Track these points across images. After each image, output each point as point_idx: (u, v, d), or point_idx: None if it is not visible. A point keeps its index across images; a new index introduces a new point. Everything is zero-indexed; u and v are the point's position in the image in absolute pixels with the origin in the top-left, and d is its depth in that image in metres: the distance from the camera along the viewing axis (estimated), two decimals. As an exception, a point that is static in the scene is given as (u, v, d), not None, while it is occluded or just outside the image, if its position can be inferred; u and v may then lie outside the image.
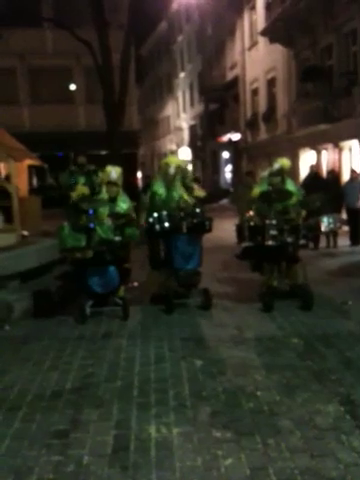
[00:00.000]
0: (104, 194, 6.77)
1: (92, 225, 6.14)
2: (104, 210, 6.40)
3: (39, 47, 23.73)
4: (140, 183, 25.08)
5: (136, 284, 7.29)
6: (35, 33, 23.61)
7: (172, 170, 6.75)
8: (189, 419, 3.66)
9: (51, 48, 24.06)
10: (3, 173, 11.94)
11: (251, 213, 6.84)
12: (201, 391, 4.08)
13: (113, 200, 6.73)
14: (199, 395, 4.02)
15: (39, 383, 4.35)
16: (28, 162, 15.00)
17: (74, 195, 6.29)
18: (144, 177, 23.21)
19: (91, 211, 6.18)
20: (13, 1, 21.39)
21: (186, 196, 6.62)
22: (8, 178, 9.78)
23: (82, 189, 6.59)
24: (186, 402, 3.91)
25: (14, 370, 4.65)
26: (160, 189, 6.80)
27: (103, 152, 18.43)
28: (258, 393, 4.02)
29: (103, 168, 7.09)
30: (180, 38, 40.99)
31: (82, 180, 7.86)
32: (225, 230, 10.13)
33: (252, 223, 6.53)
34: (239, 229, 6.70)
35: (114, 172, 6.79)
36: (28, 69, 24.45)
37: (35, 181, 17.93)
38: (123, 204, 6.77)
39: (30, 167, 15.84)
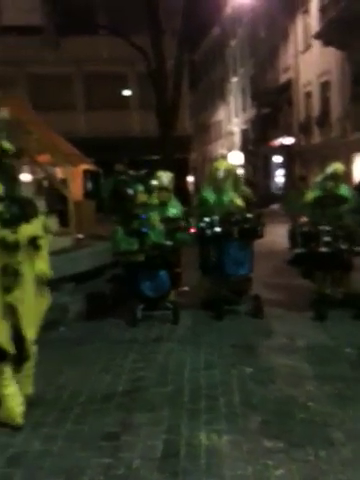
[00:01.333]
0: (155, 199, 6.83)
1: (145, 229, 6.21)
2: (156, 215, 6.47)
3: (94, 54, 24.20)
4: (191, 188, 25.16)
5: (186, 289, 7.31)
6: (91, 40, 24.10)
7: (221, 174, 6.74)
8: (239, 427, 3.64)
9: (106, 55, 24.50)
10: (60, 177, 12.25)
11: (304, 219, 6.74)
12: (251, 399, 4.05)
13: (164, 205, 6.79)
14: (249, 403, 3.99)
15: (91, 385, 4.43)
16: (83, 167, 15.38)
17: (138, 201, 6.43)
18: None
19: (144, 216, 6.26)
20: (70, 10, 21.95)
21: (237, 201, 6.60)
22: (64, 182, 10.03)
23: (142, 197, 6.70)
24: (236, 410, 3.89)
25: (67, 371, 4.76)
26: (209, 194, 6.81)
27: (155, 157, 18.61)
28: (309, 403, 3.95)
29: (154, 173, 7.17)
30: (233, 42, 40.94)
31: (140, 187, 7.98)
32: (277, 235, 10.01)
33: (305, 229, 6.43)
34: (291, 235, 6.61)
35: (165, 177, 6.85)
36: (83, 76, 25.01)
37: (90, 186, 18.28)
38: (174, 209, 6.82)
39: (85, 172, 16.22)
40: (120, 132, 23.00)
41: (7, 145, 3.71)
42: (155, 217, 6.36)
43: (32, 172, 11.57)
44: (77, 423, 3.78)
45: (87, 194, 16.05)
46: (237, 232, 6.23)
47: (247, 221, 6.31)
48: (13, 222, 3.51)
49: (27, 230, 3.57)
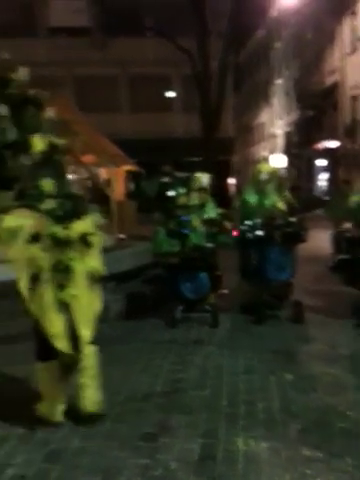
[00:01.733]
0: (195, 200, 6.82)
1: (186, 231, 6.22)
2: (197, 217, 6.47)
3: (140, 56, 24.40)
4: (233, 190, 25.05)
5: (226, 292, 7.28)
6: (136, 42, 24.33)
7: (264, 177, 6.67)
8: (278, 434, 3.60)
9: (151, 56, 24.68)
10: (103, 177, 12.41)
11: (348, 224, 6.62)
12: (291, 407, 4.00)
13: (203, 206, 6.79)
14: (289, 411, 3.94)
15: (130, 384, 4.47)
16: (126, 168, 15.53)
17: (179, 203, 6.44)
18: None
19: (185, 217, 6.27)
20: (116, 11, 22.21)
21: (280, 204, 6.53)
22: (108, 183, 10.16)
23: (184, 199, 6.71)
24: (275, 417, 3.85)
25: (107, 370, 4.76)
26: (251, 197, 6.75)
27: (198, 159, 18.63)
28: (350, 413, 3.87)
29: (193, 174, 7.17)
30: (278, 44, 40.57)
31: (181, 189, 8.01)
32: (320, 240, 9.86)
33: (349, 234, 6.31)
34: (335, 240, 6.51)
35: (204, 178, 6.85)
36: (128, 77, 25.26)
37: (132, 186, 18.46)
38: (211, 211, 6.81)
39: (128, 172, 16.37)
40: (163, 133, 23.12)
41: (58, 141, 3.77)
42: (196, 219, 6.37)
43: (76, 172, 11.78)
44: (116, 422, 3.82)
45: (129, 194, 16.21)
46: (279, 236, 6.17)
47: (290, 225, 6.23)
48: (65, 218, 3.54)
49: (78, 227, 3.59)
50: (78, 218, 3.60)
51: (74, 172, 11.93)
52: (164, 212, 6.91)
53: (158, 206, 10.29)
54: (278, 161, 36.53)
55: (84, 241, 3.59)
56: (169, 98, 25.77)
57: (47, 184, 3.59)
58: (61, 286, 3.55)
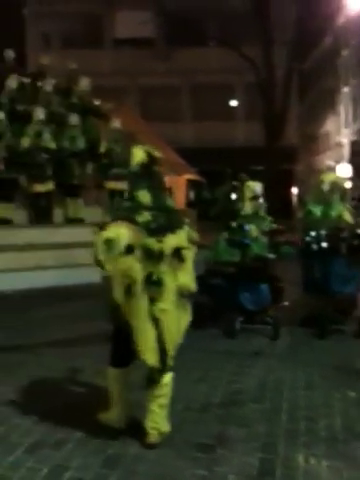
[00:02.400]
0: (248, 210, 6.71)
1: (247, 241, 6.15)
2: (259, 226, 6.39)
3: (203, 65, 24.57)
4: (295, 200, 24.67)
5: (287, 304, 7.13)
6: (200, 51, 24.53)
7: (326, 187, 6.50)
8: (340, 453, 3.46)
9: (214, 65, 24.79)
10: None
11: None
12: (354, 426, 3.85)
13: (257, 215, 6.68)
14: (352, 430, 3.79)
15: (188, 394, 4.43)
16: (187, 176, 15.64)
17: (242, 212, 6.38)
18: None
19: (247, 227, 6.20)
20: (180, 22, 22.47)
21: (347, 215, 6.35)
22: (170, 191, 10.23)
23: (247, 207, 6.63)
24: (338, 435, 3.71)
25: (165, 378, 4.80)
26: (314, 207, 6.59)
27: (259, 167, 18.49)
28: None
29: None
30: (345, 52, 39.72)
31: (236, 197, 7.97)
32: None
33: None
34: None
35: (258, 187, 6.75)
36: (191, 86, 25.47)
37: (192, 195, 18.55)
38: (263, 220, 6.69)
39: (188, 181, 16.47)
40: (225, 142, 23.12)
41: (157, 153, 3.73)
42: (255, 228, 6.28)
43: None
44: (173, 431, 3.78)
45: (190, 203, 16.29)
46: (345, 248, 5.98)
47: (357, 237, 6.04)
48: (159, 231, 3.48)
49: (172, 240, 3.49)
50: (172, 232, 3.52)
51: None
52: (223, 221, 6.86)
53: (219, 214, 10.28)
54: (343, 171, 35.65)
55: (177, 255, 3.51)
56: (231, 107, 25.77)
57: (144, 196, 3.53)
58: (152, 299, 3.51)
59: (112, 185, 9.31)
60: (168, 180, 11.83)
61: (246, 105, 24.86)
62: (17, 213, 8.43)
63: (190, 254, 3.59)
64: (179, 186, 11.82)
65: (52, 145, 8.69)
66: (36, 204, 8.58)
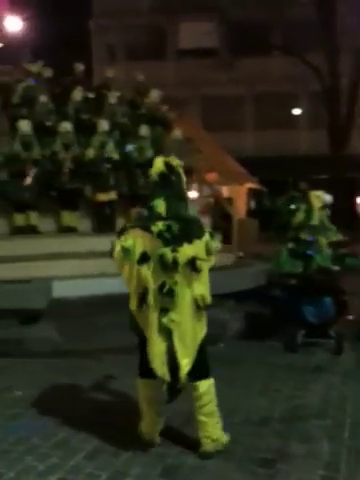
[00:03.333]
0: (316, 220, 6.57)
1: (311, 252, 6.03)
2: (324, 238, 6.25)
3: (266, 74, 24.42)
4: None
5: (352, 317, 6.93)
6: (263, 60, 24.40)
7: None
8: None
9: (278, 74, 24.59)
10: (225, 195, 12.51)
11: None
12: None
13: (323, 226, 6.52)
14: None
15: (247, 407, 4.39)
16: (248, 185, 15.57)
17: (295, 221, 6.27)
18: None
19: (311, 238, 6.09)
20: (244, 31, 22.46)
21: None
22: (229, 201, 10.21)
23: (300, 216, 6.52)
24: None
25: (223, 389, 4.72)
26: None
27: (323, 176, 18.13)
28: None
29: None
30: None
31: (304, 207, 7.85)
32: None
33: None
34: None
35: (328, 197, 6.59)
36: (254, 96, 25.36)
37: (253, 204, 18.44)
38: (329, 232, 6.52)
39: (249, 190, 16.41)
40: (287, 151, 22.84)
41: (176, 161, 3.71)
42: (323, 240, 6.14)
43: (199, 190, 12.00)
44: (232, 443, 3.74)
45: (250, 212, 16.20)
46: None
47: None
48: (174, 241, 3.42)
49: (188, 250, 3.42)
50: (189, 242, 3.45)
51: (197, 190, 12.19)
52: (283, 231, 6.77)
53: (279, 224, 10.15)
54: None
55: (192, 266, 3.44)
56: (295, 115, 25.44)
57: (159, 205, 3.50)
58: (165, 310, 3.44)
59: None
60: (229, 189, 11.85)
61: (310, 113, 24.48)
62: (81, 222, 8.64)
63: (206, 265, 3.50)
64: (240, 195, 11.78)
65: (115, 155, 8.87)
66: (99, 213, 8.76)
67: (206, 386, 3.59)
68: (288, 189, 11.55)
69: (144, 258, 3.44)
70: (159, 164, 3.62)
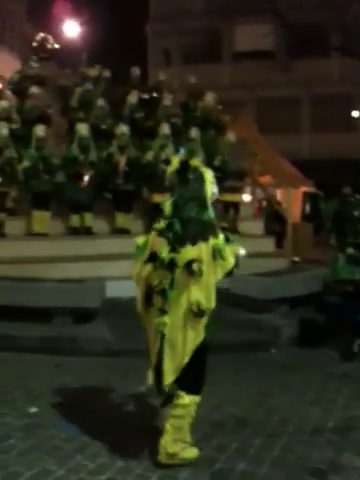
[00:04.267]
0: None
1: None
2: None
3: (324, 75, 23.98)
4: None
5: None
6: (321, 62, 23.98)
7: None
8: None
9: (336, 76, 24.10)
10: (279, 199, 12.33)
11: None
12: None
13: None
14: None
15: (300, 415, 4.29)
16: (303, 189, 15.30)
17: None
18: None
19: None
20: (301, 33, 22.14)
21: None
22: (284, 204, 10.06)
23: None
24: None
25: (276, 396, 4.68)
26: None
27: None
28: None
29: None
30: None
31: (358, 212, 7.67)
32: None
33: None
34: None
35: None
36: (311, 98, 24.95)
37: (308, 208, 18.09)
38: None
39: (304, 194, 16.11)
40: (345, 154, 22.31)
41: (195, 161, 3.58)
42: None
43: (252, 193, 11.88)
44: (284, 451, 3.67)
45: (305, 216, 15.91)
46: None
47: None
48: (176, 241, 3.28)
49: (189, 252, 3.24)
50: (192, 243, 3.25)
51: (250, 193, 12.07)
52: (342, 235, 6.60)
53: (336, 229, 9.92)
54: None
55: (188, 268, 3.22)
56: (353, 117, 24.83)
57: (167, 204, 3.40)
58: (162, 311, 3.30)
59: (227, 197, 9.34)
60: (283, 192, 11.65)
61: (368, 115, 23.88)
62: (135, 223, 8.73)
63: (211, 270, 3.24)
64: (295, 199, 11.56)
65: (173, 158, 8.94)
66: (153, 214, 8.82)
67: (185, 400, 3.33)
68: (351, 194, 11.26)
69: (152, 258, 3.34)
70: (175, 163, 3.52)
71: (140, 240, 3.48)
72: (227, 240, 3.30)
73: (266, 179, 12.36)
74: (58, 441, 3.69)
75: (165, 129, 9.05)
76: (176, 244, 3.27)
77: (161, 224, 3.37)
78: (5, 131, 8.41)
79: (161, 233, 3.34)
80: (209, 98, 10.24)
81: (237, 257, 3.32)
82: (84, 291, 6.28)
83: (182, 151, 9.73)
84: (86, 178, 8.61)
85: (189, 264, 3.20)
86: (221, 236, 3.29)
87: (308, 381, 5.08)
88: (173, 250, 3.27)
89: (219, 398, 4.57)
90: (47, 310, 6.32)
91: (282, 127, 23.29)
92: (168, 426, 3.37)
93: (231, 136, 9.52)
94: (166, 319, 3.27)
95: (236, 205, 9.37)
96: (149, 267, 3.36)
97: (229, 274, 3.34)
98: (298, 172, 15.03)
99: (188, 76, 11.47)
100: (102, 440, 3.71)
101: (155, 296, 3.33)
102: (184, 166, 3.42)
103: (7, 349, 5.75)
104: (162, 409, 3.62)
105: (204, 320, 3.29)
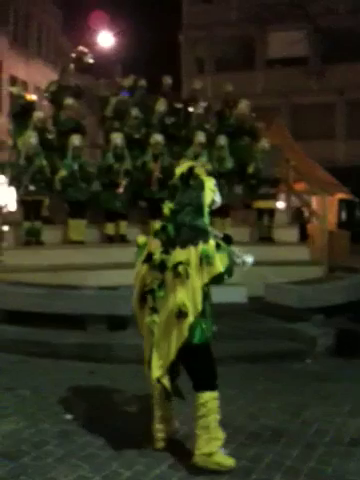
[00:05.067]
0: None
1: None
2: None
3: (359, 81, 23.65)
4: None
5: None
6: (356, 67, 23.64)
7: None
8: None
9: (372, 81, 23.74)
10: (314, 206, 12.18)
11: None
12: None
13: None
14: None
15: (338, 426, 4.20)
16: (339, 196, 15.08)
17: None
18: None
19: None
20: (334, 39, 21.92)
21: None
22: (319, 211, 9.93)
23: None
24: None
25: (313, 407, 4.61)
26: None
27: None
28: None
29: None
30: None
31: None
32: None
33: None
34: None
35: None
36: (346, 104, 24.62)
37: (344, 215, 17.83)
38: None
39: (340, 201, 15.89)
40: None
41: (199, 169, 3.66)
42: None
43: (287, 200, 11.78)
44: (321, 463, 3.60)
45: (341, 224, 15.67)
46: None
47: None
48: (168, 244, 3.44)
49: (178, 255, 3.36)
50: (182, 246, 3.37)
51: (285, 200, 11.96)
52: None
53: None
54: None
55: (174, 270, 3.35)
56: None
57: (166, 207, 3.55)
58: (153, 309, 3.48)
59: (260, 204, 9.29)
60: (319, 200, 11.51)
61: None
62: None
63: (199, 274, 3.31)
64: (330, 206, 11.41)
65: (208, 166, 8.95)
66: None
67: (204, 398, 3.42)
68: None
69: (148, 258, 3.49)
70: (179, 170, 3.63)
71: (141, 240, 3.64)
72: (218, 247, 3.38)
73: (301, 186, 12.25)
74: (93, 448, 3.71)
75: (200, 137, 9.08)
76: (168, 246, 3.44)
77: (157, 226, 3.56)
78: (34, 140, 8.57)
79: (156, 235, 3.54)
80: (243, 105, 10.24)
81: (229, 265, 3.39)
82: (119, 298, 6.32)
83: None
84: (121, 187, 8.70)
85: (176, 266, 3.33)
86: (212, 242, 3.39)
87: (345, 392, 4.98)
88: (165, 252, 3.44)
89: (254, 408, 4.54)
90: (82, 317, 6.39)
91: (317, 133, 23.05)
92: (197, 430, 3.45)
93: (265, 143, 9.49)
94: (156, 318, 3.45)
95: (271, 212, 9.31)
96: (145, 267, 3.52)
97: (219, 281, 3.41)
98: (334, 179, 14.82)
99: (224, 84, 11.48)
100: (137, 447, 3.72)
101: (148, 295, 3.50)
102: (188, 173, 3.55)
103: (44, 356, 5.84)
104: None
105: (188, 321, 3.36)
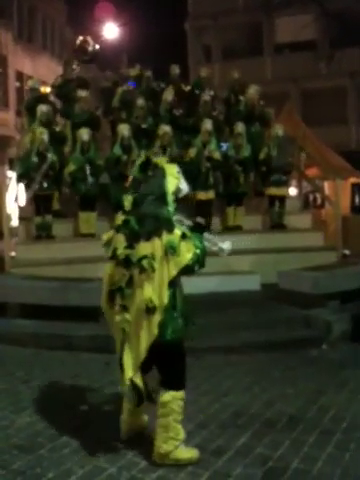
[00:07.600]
0: None
1: None
2: None
3: (369, 64, 23.33)
4: None
5: None
6: (366, 50, 23.32)
7: None
8: None
9: (383, 64, 23.39)
10: (327, 192, 12.05)
11: None
12: None
13: None
14: None
15: (355, 411, 4.16)
16: (352, 180, 14.88)
17: None
18: None
19: None
20: (343, 22, 21.57)
21: None
22: (332, 196, 9.80)
23: None
24: None
25: (330, 393, 4.56)
26: None
27: None
28: None
29: None
30: None
31: None
32: None
33: None
34: None
35: None
36: (357, 88, 24.30)
37: (357, 199, 17.60)
38: None
39: (353, 185, 15.65)
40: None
41: (159, 159, 3.45)
42: None
43: (299, 186, 11.66)
44: (338, 449, 3.57)
45: (355, 208, 15.47)
46: None
47: None
48: (131, 238, 3.28)
49: (143, 248, 3.21)
50: (146, 239, 3.22)
51: (297, 187, 11.83)
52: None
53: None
54: None
55: (139, 265, 3.20)
56: None
57: (126, 200, 3.40)
58: (123, 308, 3.30)
59: (272, 191, 9.19)
60: (331, 185, 11.37)
61: None
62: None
63: (164, 266, 3.17)
64: (343, 191, 11.24)
65: (217, 155, 8.86)
66: (197, 212, 8.78)
67: (167, 398, 3.32)
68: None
69: (113, 255, 3.35)
70: (139, 160, 3.51)
71: (106, 236, 3.49)
72: (184, 236, 3.22)
73: (313, 171, 12.09)
74: (109, 439, 3.70)
75: (208, 125, 8.98)
76: (132, 240, 3.27)
77: (118, 220, 3.39)
78: (46, 136, 8.53)
79: (119, 230, 3.37)
80: (252, 91, 10.08)
81: (200, 254, 3.24)
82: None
83: (225, 147, 9.65)
84: (130, 178, 8.65)
85: (140, 260, 3.18)
86: (177, 232, 3.23)
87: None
88: (130, 247, 3.27)
89: (270, 395, 4.52)
90: (95, 309, 6.38)
91: (328, 118, 22.78)
92: (157, 427, 3.36)
93: (279, 129, 9.35)
94: (128, 316, 3.27)
95: (282, 199, 9.21)
96: (110, 264, 3.39)
97: (189, 271, 3.28)
98: (346, 163, 14.64)
99: (231, 71, 11.35)
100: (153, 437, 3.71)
101: (116, 293, 3.33)
102: (146, 163, 3.42)
103: (58, 348, 5.86)
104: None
105: (156, 317, 3.22)
